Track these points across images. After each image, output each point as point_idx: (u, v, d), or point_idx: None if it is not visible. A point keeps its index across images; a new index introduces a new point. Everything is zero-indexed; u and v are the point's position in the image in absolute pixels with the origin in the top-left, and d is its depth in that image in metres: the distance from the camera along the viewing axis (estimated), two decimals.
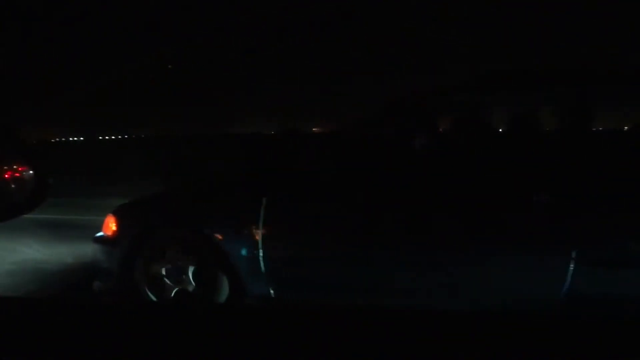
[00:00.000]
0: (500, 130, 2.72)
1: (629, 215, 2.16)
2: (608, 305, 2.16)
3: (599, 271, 2.14)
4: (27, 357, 1.09)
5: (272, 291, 2.58)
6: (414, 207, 2.39)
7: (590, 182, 2.17)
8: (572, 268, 2.13)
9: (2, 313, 1.34)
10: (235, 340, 1.17)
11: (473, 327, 1.18)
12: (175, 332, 1.25)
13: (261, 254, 2.53)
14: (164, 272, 2.74)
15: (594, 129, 2.37)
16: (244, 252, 2.56)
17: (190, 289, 2.72)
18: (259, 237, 2.52)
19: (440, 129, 2.76)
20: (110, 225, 2.88)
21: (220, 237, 2.58)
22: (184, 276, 2.72)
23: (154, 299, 2.75)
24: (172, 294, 2.74)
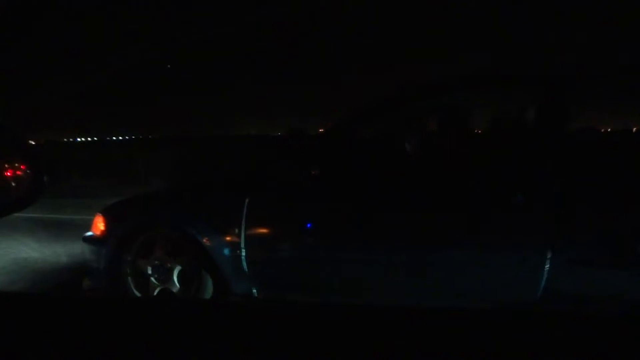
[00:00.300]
0: (479, 130, 2.73)
1: (605, 214, 2.16)
2: (584, 305, 2.17)
3: (575, 270, 2.15)
4: (13, 351, 1.13)
5: (255, 290, 2.61)
6: (395, 207, 2.41)
7: (566, 182, 2.18)
8: (547, 267, 2.14)
9: None
10: (221, 335, 1.20)
11: (462, 324, 1.19)
12: (161, 327, 1.27)
13: (244, 253, 2.56)
14: (149, 272, 2.79)
15: (573, 130, 2.38)
16: (227, 251, 2.59)
17: (175, 289, 2.76)
18: (241, 237, 2.55)
19: (423, 130, 2.78)
20: (99, 225, 2.93)
21: (203, 236, 2.62)
22: (169, 276, 2.76)
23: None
24: (155, 293, 2.78)
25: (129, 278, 2.82)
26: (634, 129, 2.84)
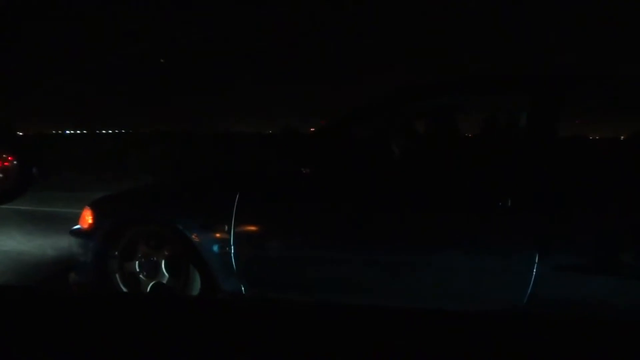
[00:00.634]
0: (469, 133, 2.74)
1: (594, 220, 2.18)
2: (570, 310, 2.18)
3: (562, 276, 2.16)
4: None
5: (243, 288, 2.60)
6: (384, 208, 2.41)
7: (554, 187, 2.19)
8: (535, 272, 2.15)
9: None
10: (210, 331, 1.19)
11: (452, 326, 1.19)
12: (150, 324, 1.26)
13: (233, 250, 2.54)
14: (137, 267, 2.77)
15: (562, 135, 2.39)
16: (215, 248, 2.57)
17: (164, 282, 2.74)
18: (231, 233, 2.54)
19: (414, 132, 2.79)
20: (87, 218, 2.90)
21: (192, 232, 2.60)
22: (157, 270, 2.74)
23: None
24: (148, 289, 2.76)
25: (116, 274, 2.80)
26: (623, 136, 2.86)
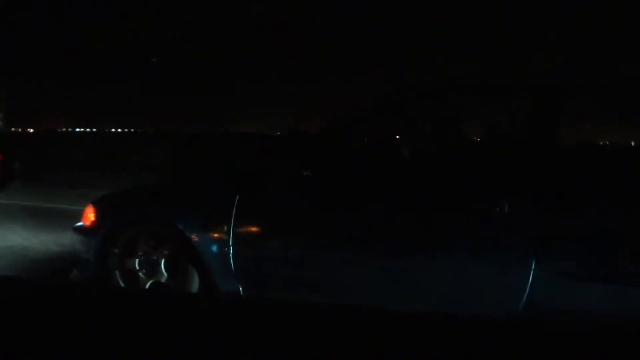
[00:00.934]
0: (466, 137, 2.75)
1: (591, 225, 2.17)
2: (566, 318, 2.18)
3: (559, 283, 2.16)
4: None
5: (241, 288, 2.62)
6: (382, 210, 2.42)
7: (551, 192, 2.19)
8: (531, 279, 2.16)
9: None
10: (207, 331, 1.20)
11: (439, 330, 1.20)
12: (148, 322, 1.28)
13: (232, 251, 2.56)
14: (136, 265, 2.79)
15: (561, 140, 2.39)
16: (214, 248, 2.60)
17: (163, 281, 2.77)
18: (230, 234, 2.56)
19: (413, 134, 2.79)
20: (89, 216, 2.93)
21: (192, 232, 2.63)
22: (156, 270, 2.77)
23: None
24: (146, 286, 2.79)
25: (117, 271, 2.82)
26: (621, 141, 2.86)
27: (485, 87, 2.53)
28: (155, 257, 2.76)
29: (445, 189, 2.35)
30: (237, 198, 2.56)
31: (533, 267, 2.15)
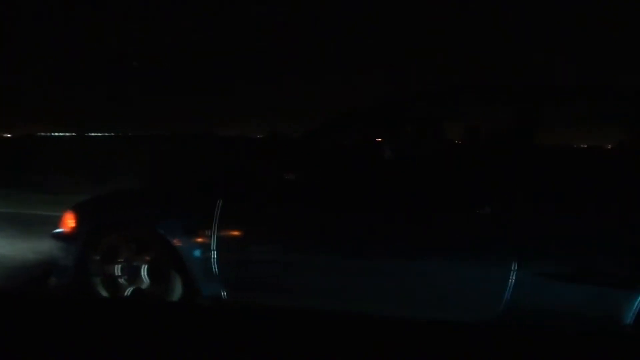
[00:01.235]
0: (449, 142, 2.77)
1: (572, 227, 2.20)
2: (547, 321, 2.21)
3: (540, 286, 2.19)
4: None
5: (224, 293, 2.59)
6: (364, 214, 2.43)
7: (533, 195, 2.22)
8: (512, 280, 2.18)
9: None
10: (191, 337, 1.18)
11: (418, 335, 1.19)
12: (131, 329, 1.26)
13: (214, 255, 2.54)
14: (117, 271, 2.74)
15: (541, 144, 2.43)
16: (197, 253, 2.57)
17: (144, 287, 2.73)
18: (213, 238, 2.53)
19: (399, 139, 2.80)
20: (69, 222, 2.88)
21: (174, 237, 2.59)
22: (138, 275, 2.72)
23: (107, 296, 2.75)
24: (127, 293, 2.74)
25: (97, 278, 2.77)
26: (604, 145, 2.91)
27: (470, 95, 2.55)
28: (136, 263, 2.72)
29: (428, 192, 2.37)
30: (220, 202, 2.54)
31: (515, 269, 2.18)
